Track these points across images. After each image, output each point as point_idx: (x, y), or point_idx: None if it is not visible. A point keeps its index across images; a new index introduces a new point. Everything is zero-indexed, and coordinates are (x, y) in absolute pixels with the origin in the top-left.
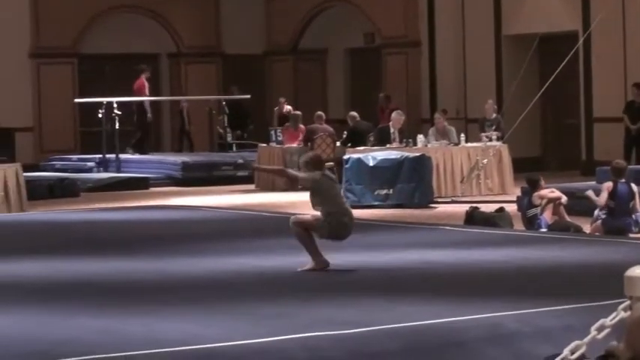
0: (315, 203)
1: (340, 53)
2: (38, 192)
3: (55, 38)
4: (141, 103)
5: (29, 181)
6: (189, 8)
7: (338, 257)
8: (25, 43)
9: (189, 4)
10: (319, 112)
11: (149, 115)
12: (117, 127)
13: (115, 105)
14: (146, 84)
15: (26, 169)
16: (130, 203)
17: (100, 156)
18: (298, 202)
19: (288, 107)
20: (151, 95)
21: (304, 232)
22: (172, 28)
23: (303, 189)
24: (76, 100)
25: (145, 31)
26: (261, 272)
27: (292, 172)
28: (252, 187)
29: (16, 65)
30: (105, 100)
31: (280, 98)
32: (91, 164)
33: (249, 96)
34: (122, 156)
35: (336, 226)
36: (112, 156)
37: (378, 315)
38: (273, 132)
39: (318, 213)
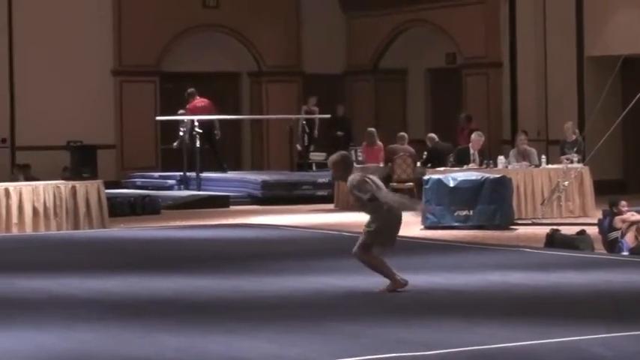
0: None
1: (421, 73)
2: (119, 209)
3: (137, 56)
4: (210, 122)
5: (111, 198)
6: (270, 27)
7: (417, 278)
8: (108, 61)
9: (271, 23)
10: (402, 133)
11: (218, 133)
12: (198, 145)
13: (196, 123)
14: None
15: (108, 186)
16: (210, 221)
17: (181, 174)
18: None
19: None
20: (227, 114)
21: (371, 258)
22: (254, 47)
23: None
24: (158, 118)
25: (226, 49)
26: (341, 292)
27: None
28: (331, 206)
29: (99, 83)
30: (186, 118)
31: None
32: (171, 182)
33: (329, 115)
34: (203, 174)
35: (386, 217)
36: (193, 174)
37: (457, 337)
38: (353, 151)
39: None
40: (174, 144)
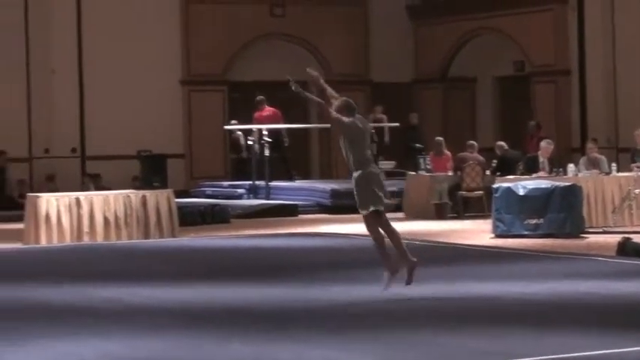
0: (345, 149)
1: (489, 81)
2: (189, 218)
3: (205, 66)
4: (278, 131)
5: (181, 207)
6: (338, 36)
7: (488, 287)
8: (176, 71)
9: (339, 31)
10: (471, 142)
11: (286, 141)
12: (266, 154)
13: (265, 132)
14: (277, 112)
15: (178, 195)
16: (279, 230)
17: (250, 183)
18: (448, 231)
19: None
20: (295, 123)
21: (373, 232)
22: (321, 55)
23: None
24: (226, 127)
25: (293, 58)
26: (411, 300)
27: (331, 110)
28: (400, 215)
29: (167, 92)
30: (255, 127)
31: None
32: (241, 191)
33: (397, 124)
34: (272, 183)
35: (369, 178)
36: (262, 183)
37: (528, 346)
38: (422, 160)
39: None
40: (242, 153)
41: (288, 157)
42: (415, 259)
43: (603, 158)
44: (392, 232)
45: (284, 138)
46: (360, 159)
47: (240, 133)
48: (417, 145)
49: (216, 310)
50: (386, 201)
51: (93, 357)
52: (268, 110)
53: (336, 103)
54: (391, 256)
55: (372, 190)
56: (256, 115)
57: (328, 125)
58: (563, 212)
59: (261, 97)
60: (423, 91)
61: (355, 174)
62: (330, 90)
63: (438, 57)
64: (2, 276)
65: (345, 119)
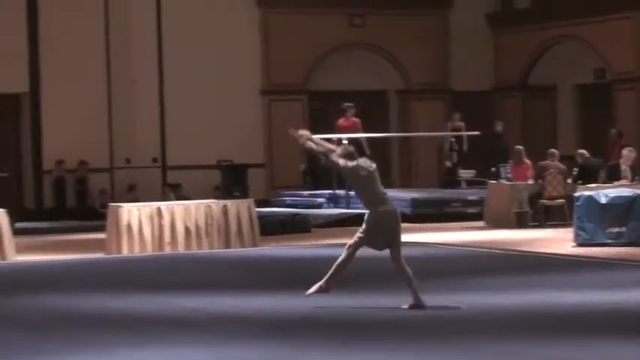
0: (354, 191)
1: (569, 89)
2: (270, 227)
3: (285, 75)
4: (358, 140)
5: (261, 217)
6: (417, 45)
7: (570, 296)
8: (256, 81)
9: (418, 41)
10: (552, 150)
11: (367, 151)
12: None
13: (345, 142)
14: (358, 122)
15: (258, 204)
16: None
17: (331, 192)
18: (529, 240)
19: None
20: (375, 132)
21: (345, 259)
22: (401, 64)
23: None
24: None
25: (373, 67)
26: (493, 309)
27: (331, 156)
28: (481, 223)
29: (248, 102)
30: (334, 136)
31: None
32: (321, 200)
33: (478, 132)
34: (352, 192)
35: (378, 217)
36: (342, 192)
37: (613, 355)
38: (502, 169)
39: None
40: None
41: None
42: (424, 305)
43: None
44: (402, 270)
45: (365, 148)
46: (369, 199)
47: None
48: (501, 165)
49: (297, 319)
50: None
51: None
52: (347, 121)
53: (338, 150)
54: (337, 277)
55: (377, 231)
56: (340, 121)
57: (408, 134)
58: None
59: (348, 104)
60: (503, 100)
61: (367, 212)
62: (322, 142)
63: (518, 65)
64: (85, 286)
65: (349, 164)
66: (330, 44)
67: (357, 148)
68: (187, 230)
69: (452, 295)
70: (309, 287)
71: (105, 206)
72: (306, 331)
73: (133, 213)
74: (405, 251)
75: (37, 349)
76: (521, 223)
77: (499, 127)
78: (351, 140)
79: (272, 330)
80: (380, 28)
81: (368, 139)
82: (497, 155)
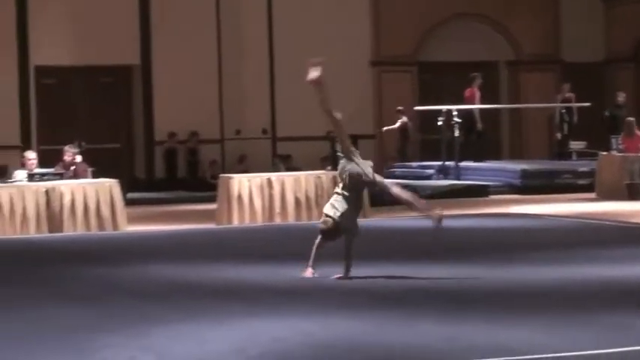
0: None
1: None
2: (379, 198)
3: (395, 46)
4: (470, 111)
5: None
6: (528, 16)
7: None
8: (366, 52)
9: (529, 11)
10: None
11: (479, 124)
12: (456, 134)
13: (455, 113)
14: (477, 93)
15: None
16: (469, 211)
17: (440, 163)
18: None
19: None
20: (485, 103)
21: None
22: (512, 35)
23: None
24: (416, 108)
25: (483, 38)
26: (604, 282)
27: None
28: (592, 195)
29: (358, 74)
30: (444, 107)
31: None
32: (430, 172)
33: (589, 104)
34: (462, 164)
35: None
36: (452, 163)
37: None
38: (614, 140)
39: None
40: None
41: (481, 140)
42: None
43: None
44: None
45: (477, 120)
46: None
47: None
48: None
49: (408, 290)
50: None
51: (288, 335)
52: (470, 91)
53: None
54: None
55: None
56: (465, 91)
57: (519, 106)
58: None
59: (475, 74)
60: (615, 71)
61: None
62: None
63: (630, 36)
64: (197, 256)
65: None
66: (440, 15)
67: (470, 120)
68: (297, 201)
69: (562, 267)
70: (419, 257)
71: (215, 177)
72: (418, 301)
73: (243, 184)
74: (515, 223)
75: (152, 319)
76: (632, 194)
77: (620, 97)
78: (464, 111)
79: (383, 300)
80: None
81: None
82: (617, 126)
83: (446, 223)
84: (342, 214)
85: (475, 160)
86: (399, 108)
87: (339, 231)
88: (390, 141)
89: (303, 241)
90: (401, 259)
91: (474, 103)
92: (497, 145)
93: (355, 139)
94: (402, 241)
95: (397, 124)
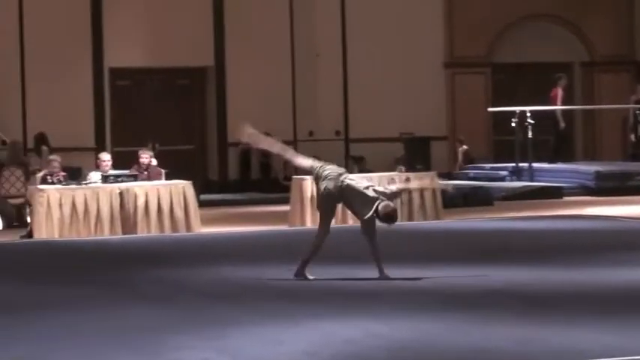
0: None
1: None
2: (453, 200)
3: (469, 48)
4: (553, 112)
5: (444, 190)
6: (602, 17)
7: None
8: (439, 53)
9: (603, 12)
10: None
11: (561, 124)
12: (530, 136)
13: (528, 114)
14: (559, 93)
15: (441, 177)
16: (543, 212)
17: (513, 165)
18: None
19: None
20: (564, 104)
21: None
22: (586, 36)
23: None
24: (490, 109)
25: (557, 39)
26: None
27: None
28: None
29: (431, 75)
30: (518, 109)
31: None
32: (504, 173)
33: None
34: (535, 165)
35: None
36: (525, 165)
37: None
38: None
39: None
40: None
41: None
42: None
43: None
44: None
45: (559, 120)
46: None
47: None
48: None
49: (480, 292)
50: None
51: (360, 337)
52: (554, 91)
53: None
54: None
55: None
56: (552, 92)
57: (593, 107)
58: None
59: (559, 74)
60: None
61: None
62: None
63: None
64: (270, 258)
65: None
66: (514, 16)
67: (553, 120)
68: None
69: (636, 269)
70: (492, 259)
71: (288, 179)
72: (491, 303)
73: None
74: (589, 225)
75: (226, 320)
76: None
77: None
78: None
79: (453, 303)
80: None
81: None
82: None
83: (520, 224)
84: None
85: (554, 161)
86: (460, 138)
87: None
88: (465, 142)
89: None
90: (473, 261)
91: (555, 104)
92: (571, 146)
93: (428, 140)
94: (474, 243)
95: (460, 158)
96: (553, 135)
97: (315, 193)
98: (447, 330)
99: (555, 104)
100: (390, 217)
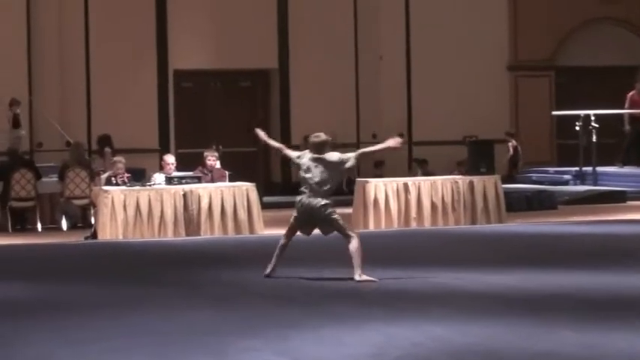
0: None
1: None
2: (516, 204)
3: (532, 51)
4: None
5: (507, 193)
6: None
7: None
8: (503, 56)
9: None
10: None
11: (626, 127)
12: (594, 139)
13: (593, 118)
14: (629, 97)
15: (503, 180)
16: (607, 217)
17: (577, 169)
18: None
19: None
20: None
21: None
22: None
23: None
24: (554, 113)
25: (622, 43)
26: None
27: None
28: None
29: (494, 78)
30: (582, 112)
31: None
32: (567, 177)
33: None
34: (599, 169)
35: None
36: (589, 169)
37: None
38: None
39: None
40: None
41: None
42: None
43: None
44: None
45: (625, 122)
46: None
47: None
48: None
49: (545, 296)
50: None
51: (425, 340)
52: (631, 95)
53: None
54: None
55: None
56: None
57: None
58: None
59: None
60: None
61: None
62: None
63: None
64: (332, 260)
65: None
66: (578, 19)
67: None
68: (434, 206)
69: None
70: (557, 263)
71: (351, 181)
72: (555, 308)
73: (380, 188)
74: None
75: (290, 322)
76: None
77: None
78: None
79: (518, 307)
80: (630, 2)
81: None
82: None
83: (584, 228)
84: None
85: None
86: (510, 131)
87: None
88: (528, 145)
89: (439, 246)
90: (537, 264)
91: (624, 107)
92: (636, 150)
93: (491, 143)
94: (538, 247)
95: (511, 152)
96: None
97: (377, 196)
98: (511, 334)
99: (623, 107)
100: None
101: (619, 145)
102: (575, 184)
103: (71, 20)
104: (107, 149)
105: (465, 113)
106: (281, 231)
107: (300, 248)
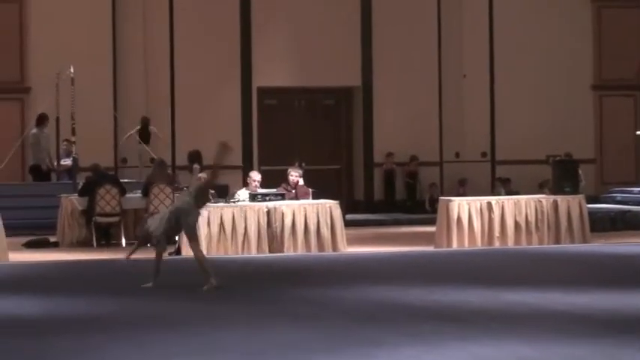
0: None
1: None
2: (600, 224)
3: (617, 70)
4: None
5: (591, 213)
6: None
7: None
8: (587, 76)
9: None
10: None
11: None
12: None
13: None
14: None
15: (587, 200)
16: None
17: None
18: None
19: None
20: None
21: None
22: None
23: None
24: (638, 133)
25: None
26: None
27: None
28: None
29: (579, 97)
30: None
31: None
32: None
33: None
34: None
35: None
36: None
37: None
38: None
39: None
40: None
41: None
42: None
43: None
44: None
45: None
46: None
47: None
48: None
49: (628, 318)
50: None
51: None
52: None
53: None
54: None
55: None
56: None
57: None
58: None
59: None
60: None
61: None
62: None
63: None
64: (416, 279)
65: None
66: None
67: None
68: (517, 225)
69: None
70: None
71: (434, 200)
72: (638, 330)
73: (463, 207)
74: None
75: (370, 340)
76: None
77: None
78: None
79: (602, 328)
80: None
81: None
82: None
83: None
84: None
85: None
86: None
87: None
88: (612, 165)
89: (522, 265)
90: (623, 286)
91: None
92: None
93: (576, 163)
94: (623, 267)
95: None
96: None
97: (461, 215)
98: (596, 355)
99: None
100: None
101: None
102: None
103: (157, 38)
104: (196, 165)
105: (549, 132)
106: (364, 249)
107: (387, 266)
